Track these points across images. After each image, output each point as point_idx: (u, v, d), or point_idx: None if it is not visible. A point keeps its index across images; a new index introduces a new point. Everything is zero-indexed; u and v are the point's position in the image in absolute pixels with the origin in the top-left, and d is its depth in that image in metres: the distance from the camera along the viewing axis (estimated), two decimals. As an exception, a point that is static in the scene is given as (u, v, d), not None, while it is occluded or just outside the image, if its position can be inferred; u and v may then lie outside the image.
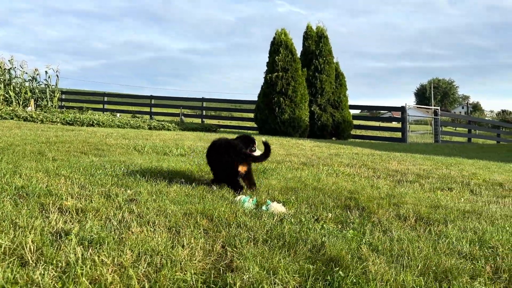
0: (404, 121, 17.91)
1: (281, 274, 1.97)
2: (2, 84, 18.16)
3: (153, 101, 23.03)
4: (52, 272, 1.83)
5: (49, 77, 20.87)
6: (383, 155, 8.10)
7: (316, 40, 16.67)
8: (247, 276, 1.92)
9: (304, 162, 6.29)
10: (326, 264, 2.16)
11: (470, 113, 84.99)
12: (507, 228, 3.07)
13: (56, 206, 2.82)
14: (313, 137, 15.34)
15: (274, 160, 6.26)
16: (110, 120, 13.59)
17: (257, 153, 4.08)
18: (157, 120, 16.55)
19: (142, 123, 14.04)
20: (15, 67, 19.57)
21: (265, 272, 1.99)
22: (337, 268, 2.07)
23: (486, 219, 3.36)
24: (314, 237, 2.56)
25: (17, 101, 18.21)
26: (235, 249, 2.29)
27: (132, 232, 2.39)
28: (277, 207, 3.27)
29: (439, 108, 20.64)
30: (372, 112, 55.44)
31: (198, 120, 21.63)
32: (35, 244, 2.08)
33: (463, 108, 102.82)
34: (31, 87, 20.07)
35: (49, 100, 20.20)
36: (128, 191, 3.43)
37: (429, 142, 18.69)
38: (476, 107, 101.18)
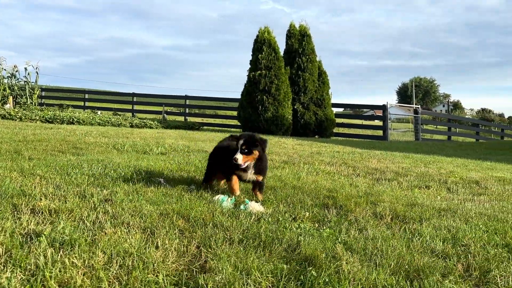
0: (385, 119, 18.11)
1: (254, 274, 1.97)
2: (-21, 81, 17.74)
3: (135, 99, 22.81)
4: (20, 275, 1.80)
5: (28, 73, 20.46)
6: (363, 153, 8.17)
7: (299, 39, 16.73)
8: (220, 277, 1.91)
9: (285, 161, 6.31)
10: (300, 264, 2.17)
11: (450, 111, 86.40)
12: (481, 226, 3.13)
13: (29, 207, 2.76)
14: (296, 135, 15.40)
15: (255, 159, 6.25)
16: (91, 117, 13.41)
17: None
18: (139, 118, 16.40)
19: (124, 121, 13.89)
20: (-7, 64, 19.12)
21: (238, 273, 1.98)
22: (311, 268, 2.07)
23: (461, 217, 3.41)
24: (290, 236, 2.57)
25: (-5, 99, 17.81)
26: (210, 250, 2.28)
27: (105, 233, 2.36)
28: (255, 206, 3.27)
29: (419, 106, 20.92)
30: (354, 110, 55.93)
31: (181, 118, 21.50)
32: (4, 246, 2.03)
33: (444, 106, 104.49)
34: (10, 84, 19.63)
35: (28, 97, 19.80)
36: (104, 191, 3.38)
37: (410, 140, 18.95)
38: (456, 105, 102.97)
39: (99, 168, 4.38)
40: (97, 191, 3.35)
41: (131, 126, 13.48)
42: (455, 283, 2.07)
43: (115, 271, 1.91)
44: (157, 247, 2.24)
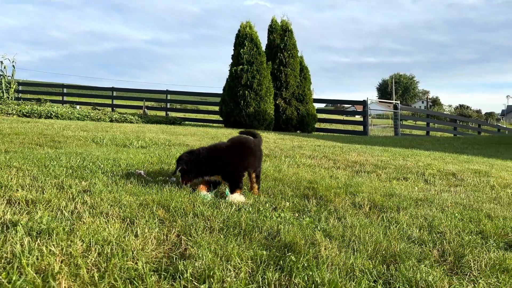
0: (366, 114, 18.32)
1: (234, 260, 1.99)
2: (-47, 74, 17.25)
3: (115, 93, 22.50)
4: (-5, 264, 1.77)
5: (4, 67, 19.91)
6: (344, 147, 8.25)
7: (281, 34, 16.75)
8: (200, 263, 1.92)
9: (267, 154, 6.33)
10: (280, 250, 2.19)
11: (429, 107, 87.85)
12: (456, 215, 3.21)
13: (5, 198, 2.71)
14: (278, 130, 15.45)
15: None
16: (69, 112, 13.18)
17: None
18: (119, 113, 16.19)
19: (103, 116, 13.70)
20: (-33, 57, 18.60)
21: (218, 259, 1.99)
22: (290, 254, 2.10)
23: (437, 206, 3.49)
24: (270, 224, 2.59)
25: (-31, 92, 17.34)
26: (190, 238, 2.28)
27: (83, 223, 2.34)
28: (236, 197, 3.28)
29: (399, 102, 21.22)
30: (336, 106, 56.29)
31: (163, 113, 21.32)
32: (-21, 236, 2.00)
33: (423, 102, 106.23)
34: (-15, 78, 19.13)
35: (4, 91, 19.30)
36: (83, 182, 3.34)
37: (389, 135, 19.21)
38: (435, 101, 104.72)
39: (78, 161, 4.32)
40: (76, 182, 3.31)
41: (111, 121, 13.31)
42: (431, 267, 2.12)
43: (93, 259, 1.89)
44: (136, 236, 2.23)
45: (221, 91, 16.61)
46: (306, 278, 1.87)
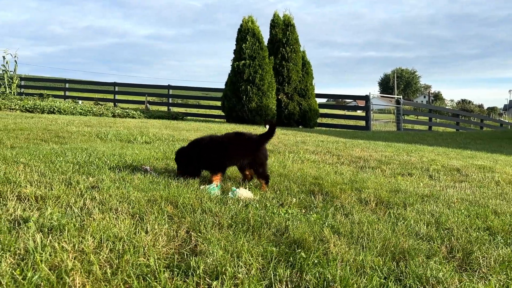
0: (368, 109, 18.29)
1: (245, 257, 2.00)
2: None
3: (117, 88, 22.48)
4: (9, 260, 1.78)
5: (7, 62, 19.90)
6: (347, 142, 8.26)
7: (283, 28, 16.69)
8: (211, 259, 1.93)
9: (271, 150, 6.33)
10: (289, 247, 2.21)
11: (431, 102, 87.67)
12: (463, 211, 3.22)
13: (15, 194, 2.73)
14: (280, 125, 15.44)
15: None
16: (72, 107, 13.19)
17: None
18: (121, 108, 16.19)
19: (106, 111, 13.71)
20: (-31, 52, 18.60)
21: (229, 255, 2.00)
22: (300, 250, 2.11)
23: (444, 202, 3.50)
24: (278, 221, 2.60)
25: (-28, 88, 17.36)
26: (200, 234, 2.29)
27: (93, 219, 2.35)
28: (243, 193, 3.29)
29: (401, 97, 21.18)
30: (337, 101, 56.21)
31: (164, 108, 21.31)
32: (-9, 232, 2.01)
33: (425, 97, 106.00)
34: (-13, 73, 19.14)
35: (7, 86, 19.30)
36: (90, 178, 3.35)
37: (392, 130, 19.19)
38: (437, 96, 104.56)
39: (84, 156, 4.33)
40: (83, 178, 3.32)
41: (114, 116, 13.32)
42: (440, 263, 2.13)
43: (105, 255, 1.91)
44: (146, 232, 2.24)
45: (222, 86, 16.60)
46: (317, 274, 1.88)
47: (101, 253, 1.93)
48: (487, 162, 6.31)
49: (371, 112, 18.47)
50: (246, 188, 3.47)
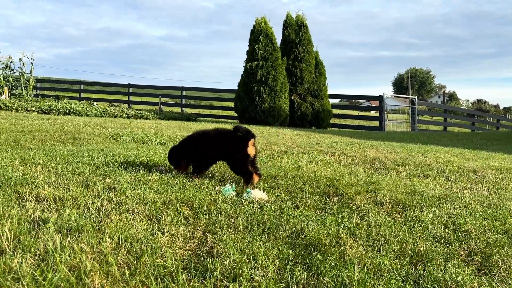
0: (382, 110, 18.15)
1: (261, 259, 2.00)
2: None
3: (131, 90, 22.69)
4: (30, 260, 1.81)
5: (23, 64, 20.28)
6: (361, 143, 8.20)
7: (296, 29, 16.67)
8: (228, 261, 1.94)
9: (284, 151, 6.33)
10: (305, 249, 2.20)
11: (446, 102, 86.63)
12: (480, 213, 3.17)
13: (33, 195, 2.77)
14: (293, 126, 15.43)
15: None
16: (87, 108, 13.35)
17: None
18: (135, 109, 16.33)
19: (120, 112, 13.84)
20: (-13, 55, 18.97)
21: (245, 257, 2.01)
22: (316, 252, 2.10)
23: (460, 204, 3.45)
24: (294, 223, 2.60)
25: (-10, 90, 17.69)
26: (216, 236, 2.30)
27: (111, 220, 2.38)
28: (258, 194, 3.29)
29: (416, 97, 20.97)
30: (351, 101, 55.93)
31: (178, 109, 21.43)
32: (12, 233, 2.05)
33: (439, 97, 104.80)
34: (5, 75, 19.50)
35: (23, 88, 19.66)
36: (107, 179, 3.39)
37: (406, 131, 19.01)
38: (452, 96, 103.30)
39: (100, 158, 4.38)
40: (100, 179, 3.36)
41: (128, 117, 13.44)
42: (458, 267, 2.10)
43: (123, 256, 1.93)
44: (163, 233, 2.26)
45: (235, 87, 16.64)
46: (334, 277, 1.87)
47: (119, 254, 1.95)
48: (504, 163, 6.21)
49: (385, 112, 18.32)
50: (260, 190, 3.47)
